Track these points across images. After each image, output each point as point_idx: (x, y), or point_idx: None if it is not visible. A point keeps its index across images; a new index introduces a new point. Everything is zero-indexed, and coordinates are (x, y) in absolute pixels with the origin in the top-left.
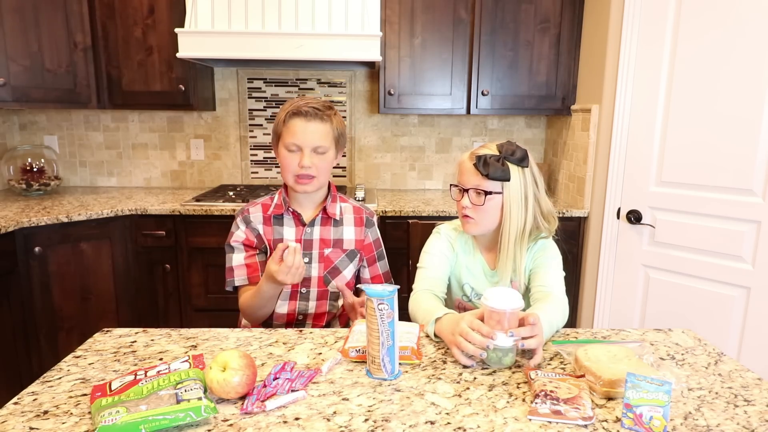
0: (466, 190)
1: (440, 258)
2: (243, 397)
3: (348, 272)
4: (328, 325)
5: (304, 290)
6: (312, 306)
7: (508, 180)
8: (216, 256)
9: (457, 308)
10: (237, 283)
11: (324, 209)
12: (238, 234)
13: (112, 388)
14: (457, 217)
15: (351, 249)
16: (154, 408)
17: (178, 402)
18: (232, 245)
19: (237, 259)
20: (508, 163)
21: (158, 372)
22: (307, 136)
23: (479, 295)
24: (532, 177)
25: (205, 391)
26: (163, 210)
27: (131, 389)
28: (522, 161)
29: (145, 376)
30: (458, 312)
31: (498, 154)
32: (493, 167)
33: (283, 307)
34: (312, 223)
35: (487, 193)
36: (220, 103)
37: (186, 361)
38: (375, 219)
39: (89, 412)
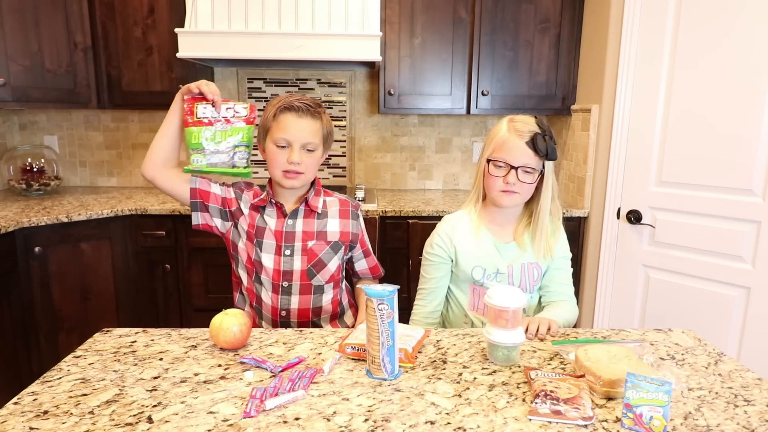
0: (515, 168)
1: (436, 268)
2: (247, 400)
3: (333, 265)
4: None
5: (285, 284)
6: (294, 301)
7: (556, 159)
8: (216, 256)
9: (472, 294)
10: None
11: (306, 201)
12: (222, 188)
13: (198, 116)
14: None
15: (335, 241)
16: (214, 164)
17: (232, 167)
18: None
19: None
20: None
21: (226, 119)
22: (298, 132)
23: (491, 275)
24: None
25: (248, 157)
26: (163, 210)
27: (206, 127)
28: (553, 138)
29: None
30: (472, 299)
31: (540, 130)
32: (550, 148)
33: (267, 298)
34: (294, 215)
35: (540, 172)
36: None
37: (246, 107)
38: (360, 212)
39: (90, 412)
